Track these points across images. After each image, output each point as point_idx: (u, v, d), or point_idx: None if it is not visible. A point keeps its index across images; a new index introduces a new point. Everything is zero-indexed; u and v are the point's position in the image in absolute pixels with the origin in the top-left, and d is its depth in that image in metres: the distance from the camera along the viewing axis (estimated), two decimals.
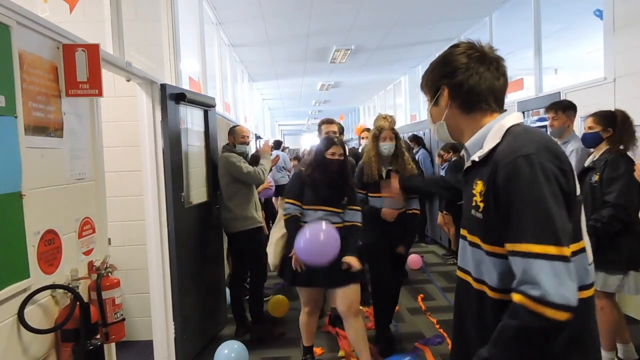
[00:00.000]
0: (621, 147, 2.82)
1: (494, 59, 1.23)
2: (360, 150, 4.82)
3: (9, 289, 1.56)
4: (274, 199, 8.42)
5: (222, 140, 4.23)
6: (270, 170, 4.25)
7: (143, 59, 3.38)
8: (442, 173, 6.02)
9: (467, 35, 7.42)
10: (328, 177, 2.90)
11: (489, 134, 1.19)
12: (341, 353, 3.44)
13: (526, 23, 5.65)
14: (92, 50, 2.01)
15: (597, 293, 2.78)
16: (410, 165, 3.37)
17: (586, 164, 2.99)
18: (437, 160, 6.46)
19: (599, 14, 4.40)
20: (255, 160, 4.36)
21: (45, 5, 2.66)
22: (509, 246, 1.07)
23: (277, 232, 3.07)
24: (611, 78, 4.01)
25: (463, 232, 1.28)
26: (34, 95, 1.77)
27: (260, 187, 4.44)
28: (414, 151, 6.96)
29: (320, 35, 7.19)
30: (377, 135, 3.28)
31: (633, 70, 3.80)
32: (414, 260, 5.58)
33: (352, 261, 2.78)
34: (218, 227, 3.98)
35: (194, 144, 3.74)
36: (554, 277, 0.98)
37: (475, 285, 1.20)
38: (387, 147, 3.26)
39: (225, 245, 4.25)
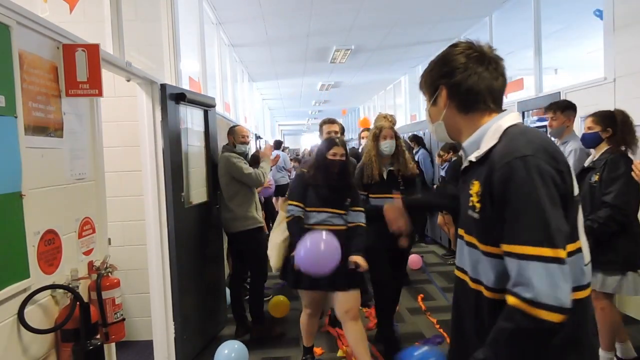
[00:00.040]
0: (623, 148, 2.81)
1: (492, 59, 1.23)
2: (360, 150, 4.81)
3: (9, 289, 1.56)
4: (274, 199, 8.43)
5: (222, 140, 4.23)
6: (270, 169, 4.25)
7: (143, 59, 3.38)
8: (442, 173, 6.02)
9: (467, 35, 7.42)
10: (330, 178, 2.88)
11: (487, 134, 1.19)
12: (340, 353, 3.44)
13: (526, 23, 5.65)
14: (92, 50, 2.01)
15: (596, 294, 2.78)
16: (412, 165, 3.36)
17: (586, 163, 2.99)
18: (437, 160, 6.46)
19: (599, 14, 4.40)
20: (255, 160, 4.36)
21: (45, 5, 2.66)
22: (505, 247, 1.07)
23: (279, 235, 3.04)
24: (611, 78, 4.01)
25: (460, 231, 1.28)
26: (34, 95, 1.77)
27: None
28: (414, 151, 6.96)
29: (320, 35, 7.19)
30: (377, 135, 3.24)
31: (633, 70, 3.80)
32: (414, 260, 5.58)
33: (359, 260, 2.75)
34: (218, 227, 3.98)
35: (194, 144, 3.74)
36: (548, 279, 0.99)
37: (472, 285, 1.20)
38: (387, 145, 3.22)
39: (225, 245, 4.25)
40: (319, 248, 2.58)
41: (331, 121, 3.81)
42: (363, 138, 4.88)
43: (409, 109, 11.06)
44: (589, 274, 1.16)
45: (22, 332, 1.64)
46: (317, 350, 3.43)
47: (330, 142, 2.94)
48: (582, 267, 1.14)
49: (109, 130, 3.05)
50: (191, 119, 3.70)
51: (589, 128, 2.95)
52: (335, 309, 2.94)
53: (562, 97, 4.43)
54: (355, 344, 2.87)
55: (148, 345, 3.36)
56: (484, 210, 1.13)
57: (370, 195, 3.23)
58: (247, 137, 4.08)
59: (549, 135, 3.61)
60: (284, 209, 3.08)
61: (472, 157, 1.20)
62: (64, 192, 1.96)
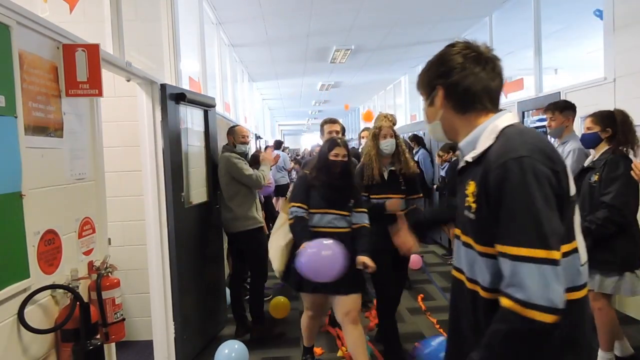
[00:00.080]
0: (624, 148, 2.79)
1: (489, 59, 1.22)
2: (360, 150, 4.80)
3: (9, 289, 1.56)
4: (274, 199, 8.42)
5: (222, 140, 4.23)
6: (270, 169, 4.25)
7: (143, 59, 3.38)
8: (442, 173, 6.02)
9: (467, 35, 7.42)
10: (332, 179, 2.85)
11: (483, 134, 1.19)
12: (340, 353, 3.44)
13: (526, 23, 5.65)
14: (92, 50, 2.01)
15: (594, 294, 2.79)
16: (412, 163, 3.34)
17: (586, 163, 2.99)
18: (437, 160, 6.46)
19: (599, 14, 4.40)
20: (255, 160, 4.36)
21: (45, 5, 2.66)
22: (499, 247, 1.08)
23: (281, 238, 3.00)
24: (611, 78, 4.01)
25: (457, 232, 1.29)
26: (34, 95, 1.77)
27: None
28: (414, 151, 6.96)
29: (320, 35, 7.19)
30: (376, 134, 3.21)
31: (633, 70, 3.80)
32: (414, 260, 5.57)
33: (367, 261, 2.71)
34: (218, 227, 3.98)
35: (194, 144, 3.74)
36: (541, 280, 1.00)
37: (468, 285, 1.21)
38: (388, 144, 3.19)
39: (226, 245, 4.25)
40: (322, 257, 2.55)
41: (332, 121, 3.79)
42: (363, 138, 4.86)
43: (409, 109, 11.07)
44: (585, 274, 1.16)
45: (22, 332, 1.64)
46: (317, 350, 3.43)
47: (332, 143, 2.92)
48: (579, 267, 1.14)
49: (109, 130, 3.05)
50: (191, 119, 3.70)
51: (588, 128, 2.95)
52: (335, 311, 2.93)
53: (562, 97, 4.43)
54: (354, 349, 2.84)
55: (148, 345, 3.36)
56: (479, 211, 1.13)
57: (372, 196, 3.17)
58: (247, 137, 4.08)
59: (548, 136, 3.61)
60: (285, 211, 3.05)
61: (469, 158, 1.20)
62: (64, 192, 1.96)
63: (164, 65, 3.65)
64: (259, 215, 3.95)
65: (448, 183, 5.69)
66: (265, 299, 4.29)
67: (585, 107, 3.67)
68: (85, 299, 1.94)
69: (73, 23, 2.48)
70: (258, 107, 13.30)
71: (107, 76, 2.62)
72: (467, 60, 1.20)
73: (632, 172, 2.59)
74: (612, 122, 2.84)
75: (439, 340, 2.87)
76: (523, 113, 5.52)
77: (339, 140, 2.94)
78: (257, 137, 11.30)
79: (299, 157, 15.55)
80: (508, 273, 1.04)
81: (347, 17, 6.32)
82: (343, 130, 3.95)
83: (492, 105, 1.23)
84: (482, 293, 1.15)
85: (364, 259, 2.72)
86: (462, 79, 1.20)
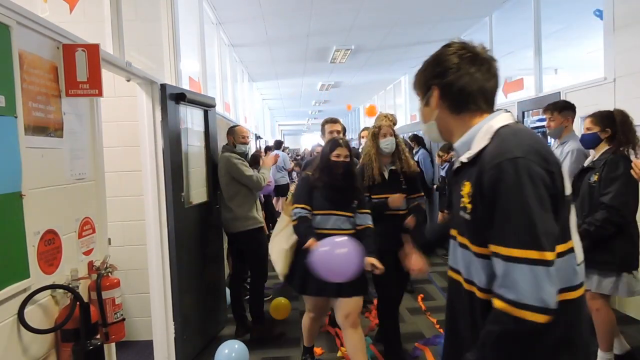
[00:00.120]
0: (625, 149, 2.78)
1: (485, 59, 1.22)
2: (360, 150, 4.80)
3: (9, 289, 1.56)
4: (274, 199, 8.42)
5: (222, 140, 4.23)
6: (270, 170, 4.25)
7: (143, 59, 3.38)
8: (442, 173, 6.02)
9: (467, 35, 7.42)
10: (334, 180, 2.83)
11: (478, 135, 1.19)
12: (340, 354, 3.44)
13: (526, 23, 5.65)
14: (92, 50, 2.01)
15: (592, 294, 2.79)
16: (413, 162, 3.34)
17: (586, 163, 2.99)
18: (437, 160, 6.46)
19: (599, 14, 4.40)
20: (255, 160, 4.36)
21: (45, 5, 2.66)
22: (492, 247, 1.08)
23: (283, 241, 2.96)
24: (611, 78, 4.01)
25: (453, 232, 1.29)
26: (34, 95, 1.77)
27: None
28: (414, 151, 6.96)
29: (320, 35, 7.19)
30: (376, 134, 3.19)
31: (633, 70, 3.80)
32: None
33: (375, 262, 2.66)
34: (218, 227, 3.98)
35: (194, 144, 3.74)
36: (533, 281, 1.00)
37: (466, 286, 1.21)
38: (388, 143, 3.17)
39: (226, 245, 4.25)
40: (337, 255, 2.44)
41: (333, 121, 3.78)
42: (363, 137, 4.86)
43: (409, 109, 11.07)
44: (581, 273, 1.16)
45: (22, 332, 1.64)
46: (317, 350, 3.43)
47: (333, 143, 2.90)
48: (575, 266, 1.14)
49: (109, 130, 3.05)
50: (191, 119, 3.70)
51: (587, 129, 2.94)
52: (336, 313, 2.91)
53: (562, 97, 4.43)
54: (353, 353, 2.82)
55: (148, 345, 3.36)
56: (475, 211, 1.13)
57: (373, 196, 3.15)
58: (247, 137, 4.08)
59: (548, 136, 3.61)
60: (288, 213, 3.02)
61: (464, 158, 1.20)
62: (64, 192, 1.96)
63: (164, 65, 3.65)
64: (259, 215, 3.95)
65: (448, 183, 5.69)
66: (266, 299, 4.29)
67: (585, 107, 3.67)
68: (85, 299, 1.94)
69: (73, 23, 2.48)
70: (258, 107, 13.30)
71: (107, 76, 2.62)
72: (463, 60, 1.20)
73: (632, 171, 2.59)
74: (611, 122, 2.84)
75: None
76: (523, 113, 5.53)
77: (340, 141, 2.92)
78: (257, 137, 11.31)
79: (298, 158, 15.55)
80: (501, 274, 1.05)
81: (347, 17, 6.32)
82: (344, 130, 3.94)
83: (487, 105, 1.23)
84: (478, 294, 1.15)
85: (372, 261, 2.66)
86: (457, 79, 1.20)
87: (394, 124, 3.31)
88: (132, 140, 3.38)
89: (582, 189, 2.88)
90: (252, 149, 7.60)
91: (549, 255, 1.01)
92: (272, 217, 7.41)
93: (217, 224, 3.95)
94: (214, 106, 4.17)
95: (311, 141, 20.83)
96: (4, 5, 1.59)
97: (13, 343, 1.61)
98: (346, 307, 2.80)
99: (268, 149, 9.93)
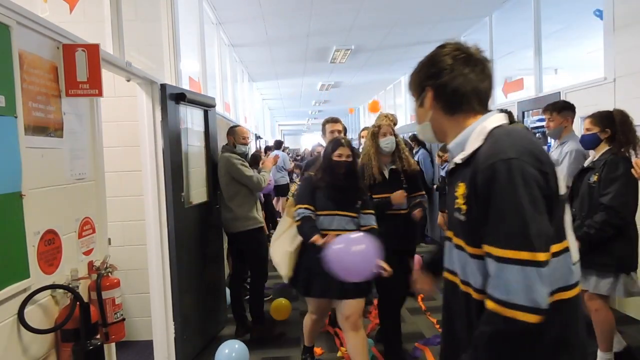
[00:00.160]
0: (626, 149, 2.77)
1: (479, 60, 1.22)
2: (360, 150, 4.78)
3: (9, 289, 1.56)
4: (274, 200, 8.42)
5: (222, 140, 4.23)
6: (270, 171, 4.25)
7: (143, 59, 3.38)
8: (442, 173, 6.02)
9: (467, 35, 7.42)
10: (336, 180, 2.81)
11: (471, 135, 1.19)
12: (340, 354, 3.44)
13: (526, 23, 5.65)
14: (92, 50, 2.01)
15: (590, 295, 2.79)
16: (413, 161, 3.32)
17: (586, 164, 2.98)
18: (437, 160, 6.46)
19: (599, 14, 4.40)
20: (255, 160, 4.36)
21: (45, 5, 2.66)
22: (485, 248, 1.09)
23: (287, 244, 2.92)
24: (611, 78, 4.01)
25: (449, 234, 1.28)
26: (34, 95, 1.77)
27: None
28: (414, 151, 6.96)
29: (320, 35, 7.19)
30: (376, 133, 3.18)
31: (633, 70, 3.80)
32: (414, 260, 5.57)
33: (384, 264, 2.57)
34: (218, 227, 3.98)
35: (194, 144, 3.74)
36: (524, 282, 1.00)
37: (462, 287, 1.21)
38: (388, 142, 3.15)
39: (226, 245, 4.25)
40: (354, 253, 2.34)
41: (334, 120, 3.76)
42: (363, 137, 4.84)
43: (409, 109, 11.06)
44: (577, 272, 1.16)
45: (22, 332, 1.64)
46: (317, 350, 3.43)
47: (335, 143, 2.88)
48: (570, 266, 1.14)
49: (109, 130, 3.05)
50: (191, 119, 3.70)
51: (587, 129, 2.93)
52: (337, 314, 2.89)
53: (562, 97, 4.43)
54: (354, 355, 2.80)
55: (148, 345, 3.36)
56: (469, 212, 1.13)
57: (374, 196, 3.13)
58: (248, 138, 4.08)
59: (547, 136, 3.61)
60: (290, 214, 2.99)
61: (458, 159, 1.20)
62: (64, 192, 1.96)
63: (164, 65, 3.65)
64: (259, 215, 3.95)
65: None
66: (266, 299, 4.29)
67: (585, 107, 3.67)
68: (85, 299, 1.94)
69: (73, 23, 2.49)
70: (258, 107, 13.30)
71: (107, 76, 2.62)
72: (457, 61, 1.21)
73: (632, 171, 2.59)
74: (611, 122, 2.83)
75: None
76: (523, 113, 5.52)
77: (342, 140, 2.90)
78: (257, 137, 11.31)
79: (298, 158, 15.55)
80: (493, 274, 1.06)
81: (347, 17, 6.32)
82: (345, 129, 3.93)
83: (481, 106, 1.23)
84: (474, 295, 1.15)
85: (380, 262, 2.57)
86: (451, 80, 1.20)
87: (395, 124, 3.30)
88: (132, 140, 3.38)
89: (582, 190, 2.88)
90: (252, 149, 7.60)
91: (541, 256, 1.02)
92: (272, 217, 7.42)
93: (217, 224, 3.95)
94: (214, 106, 4.17)
95: (311, 141, 20.84)
96: (4, 5, 1.59)
97: (13, 343, 1.61)
98: (347, 309, 2.78)
99: (268, 149, 9.94)
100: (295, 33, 7.07)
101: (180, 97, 3.37)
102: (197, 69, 5.16)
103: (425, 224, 7.45)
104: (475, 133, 1.18)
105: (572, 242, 1.16)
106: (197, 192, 3.73)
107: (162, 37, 3.64)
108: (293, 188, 6.53)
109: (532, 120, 5.34)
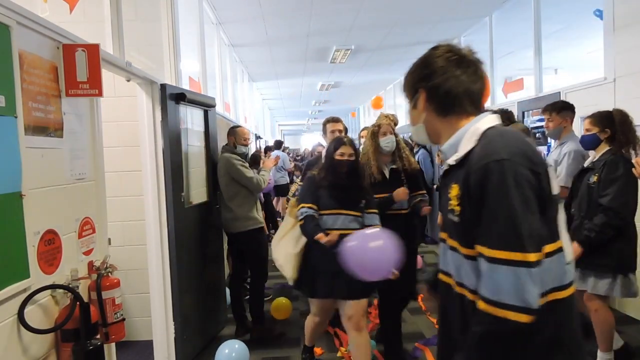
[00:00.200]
0: (627, 149, 2.76)
1: (472, 61, 1.23)
2: (359, 149, 4.76)
3: (9, 289, 1.56)
4: (274, 200, 8.42)
5: (222, 140, 4.24)
6: (270, 172, 4.25)
7: (143, 59, 3.38)
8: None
9: (467, 35, 7.42)
10: (339, 179, 2.79)
11: (465, 137, 1.19)
12: (340, 353, 3.44)
13: (526, 23, 5.65)
14: (92, 50, 2.01)
15: (589, 295, 2.79)
16: (413, 160, 3.31)
17: (586, 164, 2.98)
18: (437, 160, 6.46)
19: (599, 14, 4.40)
20: (254, 160, 4.36)
21: (45, 5, 2.66)
22: (478, 248, 1.09)
23: (291, 246, 2.90)
24: (611, 78, 4.01)
25: (443, 235, 1.29)
26: (34, 95, 1.77)
27: None
28: (414, 151, 6.96)
29: (320, 35, 7.19)
30: (376, 132, 3.17)
31: (633, 70, 3.80)
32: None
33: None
34: (218, 227, 3.98)
35: (194, 144, 3.74)
36: (515, 282, 1.01)
37: (457, 289, 1.21)
38: (389, 141, 3.13)
39: (226, 246, 4.25)
40: (372, 250, 2.23)
41: (335, 120, 3.76)
42: (362, 137, 4.83)
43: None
44: (571, 272, 1.16)
45: (22, 332, 1.64)
46: (317, 350, 3.42)
47: (337, 142, 2.87)
48: (564, 266, 1.14)
49: (109, 130, 3.05)
50: (191, 119, 3.70)
51: (587, 130, 2.93)
52: (341, 315, 2.88)
53: (562, 97, 4.43)
54: (355, 356, 2.79)
55: (148, 345, 3.36)
56: (463, 214, 1.14)
57: (375, 196, 3.08)
58: (249, 139, 4.08)
59: (547, 137, 3.61)
60: (293, 214, 2.97)
61: (451, 161, 1.20)
62: (64, 192, 1.96)
63: (164, 65, 3.65)
64: (259, 215, 3.95)
65: None
66: (266, 299, 4.29)
67: (585, 107, 3.67)
68: (85, 299, 1.94)
69: (73, 23, 2.49)
70: (258, 107, 13.30)
71: (107, 76, 2.62)
72: (449, 63, 1.21)
73: (633, 170, 2.59)
74: (610, 122, 2.83)
75: None
76: (523, 113, 5.53)
77: (345, 139, 2.88)
78: (257, 137, 11.31)
79: (298, 158, 15.54)
80: (484, 274, 1.06)
81: (347, 17, 6.32)
82: (346, 129, 3.92)
83: (473, 107, 1.23)
84: (469, 296, 1.15)
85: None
86: (443, 82, 1.21)
87: (395, 124, 3.30)
88: (132, 140, 3.38)
89: (581, 190, 2.88)
90: (251, 149, 7.60)
91: (532, 257, 1.02)
92: (272, 217, 7.42)
93: (217, 224, 3.95)
94: (214, 106, 4.17)
95: (311, 141, 20.83)
96: (4, 5, 1.59)
97: (13, 343, 1.61)
98: (351, 309, 2.77)
99: (268, 149, 9.93)
100: (295, 33, 7.07)
101: (180, 97, 3.37)
102: (197, 69, 5.16)
103: (425, 224, 7.45)
104: (468, 134, 1.18)
105: (566, 242, 1.16)
106: (197, 192, 3.73)
107: (162, 37, 3.64)
108: (293, 188, 6.52)
109: (532, 120, 5.34)
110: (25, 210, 1.65)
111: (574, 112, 3.43)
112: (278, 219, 8.16)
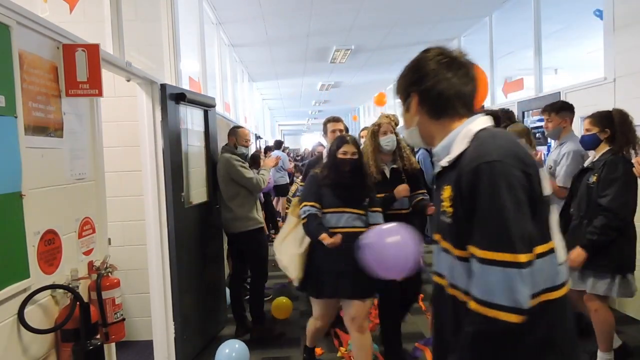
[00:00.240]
0: (627, 150, 2.76)
1: (463, 64, 1.24)
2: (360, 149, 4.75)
3: (9, 289, 1.56)
4: (274, 200, 8.42)
5: (222, 140, 4.23)
6: (269, 171, 4.25)
7: (143, 59, 3.38)
8: None
9: (467, 35, 7.42)
10: (341, 178, 2.78)
11: (457, 138, 1.20)
12: (340, 354, 3.44)
13: (526, 23, 5.65)
14: (92, 50, 2.01)
15: (589, 296, 2.79)
16: (414, 159, 3.30)
17: (585, 164, 2.98)
18: None
19: (599, 14, 4.40)
20: (254, 160, 4.36)
21: (45, 5, 2.66)
22: (470, 249, 1.10)
23: (294, 246, 2.88)
24: (611, 78, 4.01)
25: (436, 237, 1.29)
26: (34, 95, 1.77)
27: None
28: (415, 151, 6.95)
29: (320, 35, 7.20)
30: (376, 131, 3.16)
31: (633, 70, 3.80)
32: None
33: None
34: (218, 227, 3.98)
35: (194, 144, 3.74)
36: (506, 283, 1.02)
37: (450, 290, 1.21)
38: (389, 140, 3.12)
39: (226, 246, 4.25)
40: (390, 246, 2.13)
41: (335, 119, 3.75)
42: (362, 137, 4.83)
43: None
44: (564, 272, 1.16)
45: (22, 332, 1.64)
46: (317, 350, 3.42)
47: (340, 140, 2.86)
48: (557, 267, 1.14)
49: (109, 130, 3.05)
50: (191, 119, 3.70)
51: (587, 130, 2.93)
52: (344, 315, 2.88)
53: (562, 97, 4.43)
54: (359, 357, 2.79)
55: (148, 345, 3.36)
56: (455, 215, 1.14)
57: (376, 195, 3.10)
58: (250, 140, 4.08)
59: (546, 136, 3.61)
60: (295, 214, 2.96)
61: (444, 162, 1.21)
62: (64, 192, 1.96)
63: (164, 65, 3.65)
64: (260, 215, 3.95)
65: None
66: (266, 299, 4.29)
67: (585, 107, 3.67)
68: (85, 299, 1.94)
69: (73, 23, 2.49)
70: (258, 107, 13.30)
71: (107, 76, 2.62)
72: (440, 66, 1.22)
73: (633, 169, 2.59)
74: (610, 122, 2.82)
75: None
76: (523, 113, 5.53)
77: (347, 138, 2.87)
78: (257, 137, 11.30)
79: (298, 159, 15.53)
80: (476, 275, 1.07)
81: (347, 17, 6.32)
82: (346, 129, 3.92)
83: (465, 109, 1.24)
84: (461, 297, 1.16)
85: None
86: (434, 84, 1.22)
87: (396, 124, 3.29)
88: (132, 140, 3.38)
89: (581, 190, 2.88)
90: (251, 149, 7.60)
91: (523, 258, 1.03)
92: (272, 217, 7.42)
93: (217, 224, 3.95)
94: (214, 106, 4.17)
95: (311, 141, 20.83)
96: (4, 5, 1.59)
97: (13, 343, 1.61)
98: (354, 310, 2.77)
99: (268, 149, 9.93)
100: (295, 33, 7.07)
101: (180, 97, 3.37)
102: (197, 69, 5.16)
103: (425, 224, 7.45)
104: (460, 136, 1.19)
105: (558, 242, 1.17)
106: (197, 192, 3.73)
107: (162, 37, 3.64)
108: (293, 188, 6.51)
109: (532, 120, 5.34)
110: (25, 210, 1.65)
111: (573, 112, 3.42)
112: (278, 219, 8.16)
